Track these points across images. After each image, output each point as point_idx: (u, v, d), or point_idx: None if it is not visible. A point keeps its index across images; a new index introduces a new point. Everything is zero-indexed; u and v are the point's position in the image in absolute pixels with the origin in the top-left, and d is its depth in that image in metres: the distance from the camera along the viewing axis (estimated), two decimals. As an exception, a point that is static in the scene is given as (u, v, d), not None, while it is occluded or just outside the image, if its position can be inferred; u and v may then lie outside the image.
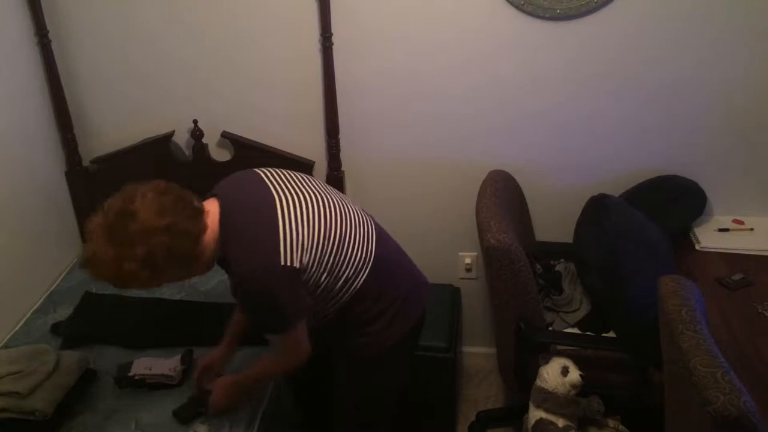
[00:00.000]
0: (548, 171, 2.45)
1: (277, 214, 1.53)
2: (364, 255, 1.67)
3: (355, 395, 1.89)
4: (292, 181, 1.65)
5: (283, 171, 1.70)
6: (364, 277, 1.67)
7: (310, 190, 1.64)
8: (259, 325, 1.68)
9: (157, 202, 1.45)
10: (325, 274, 1.60)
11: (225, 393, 1.79)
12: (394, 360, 1.82)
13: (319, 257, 1.57)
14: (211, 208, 1.57)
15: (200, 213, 1.52)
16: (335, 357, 1.87)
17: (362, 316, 1.71)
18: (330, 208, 1.63)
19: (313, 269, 1.57)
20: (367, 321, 1.72)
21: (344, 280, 1.64)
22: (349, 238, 1.64)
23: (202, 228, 1.51)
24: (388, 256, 1.76)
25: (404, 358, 1.88)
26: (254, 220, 1.54)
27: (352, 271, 1.65)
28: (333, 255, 1.60)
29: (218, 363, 1.89)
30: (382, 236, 1.78)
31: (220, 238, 1.54)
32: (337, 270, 1.62)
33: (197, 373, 1.88)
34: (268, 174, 1.66)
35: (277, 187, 1.61)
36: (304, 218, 1.55)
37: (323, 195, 1.66)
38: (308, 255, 1.54)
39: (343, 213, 1.66)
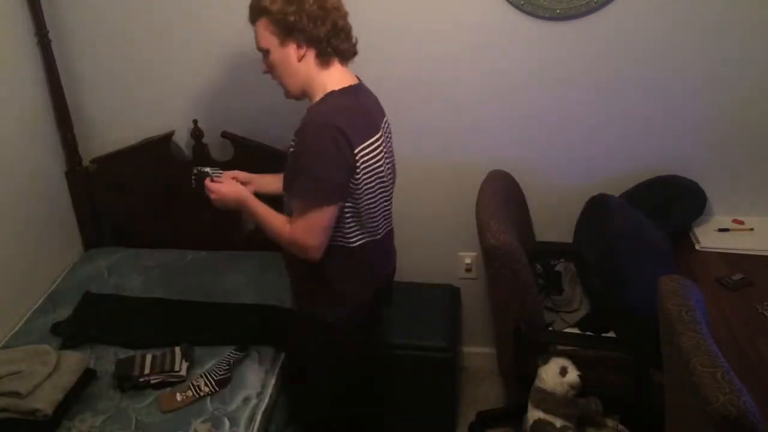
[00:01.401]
0: (548, 171, 2.45)
1: (375, 134, 1.66)
2: (386, 219, 1.80)
3: (308, 362, 1.92)
4: (388, 141, 1.79)
5: (389, 126, 1.83)
6: (374, 238, 1.74)
7: (391, 161, 1.81)
8: (291, 183, 1.65)
9: None
10: (361, 201, 1.66)
11: (230, 190, 1.78)
12: (343, 333, 1.81)
13: (371, 179, 1.65)
14: (352, 76, 1.73)
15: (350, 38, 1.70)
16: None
17: (340, 270, 1.73)
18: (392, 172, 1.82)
19: (362, 180, 1.63)
20: (339, 279, 1.74)
21: (366, 222, 1.70)
22: (387, 198, 1.78)
23: (346, 49, 1.69)
24: (388, 241, 1.86)
25: (356, 336, 1.85)
26: (356, 109, 1.65)
27: (375, 221, 1.73)
28: (377, 191, 1.69)
29: (245, 179, 1.91)
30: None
31: (322, 95, 1.64)
32: (369, 208, 1.69)
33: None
34: (385, 122, 1.80)
35: (384, 131, 1.74)
36: (380, 150, 1.67)
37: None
38: (369, 163, 1.63)
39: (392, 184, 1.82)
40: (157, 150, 2.53)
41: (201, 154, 2.52)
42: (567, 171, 2.44)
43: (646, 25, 2.18)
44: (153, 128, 2.54)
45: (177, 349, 2.03)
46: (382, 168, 1.69)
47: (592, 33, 2.21)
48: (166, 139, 2.53)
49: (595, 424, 2.05)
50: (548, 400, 1.98)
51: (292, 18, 1.57)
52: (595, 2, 2.15)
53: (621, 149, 2.38)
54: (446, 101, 2.39)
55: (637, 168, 2.37)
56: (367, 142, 1.63)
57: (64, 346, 2.11)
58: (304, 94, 1.71)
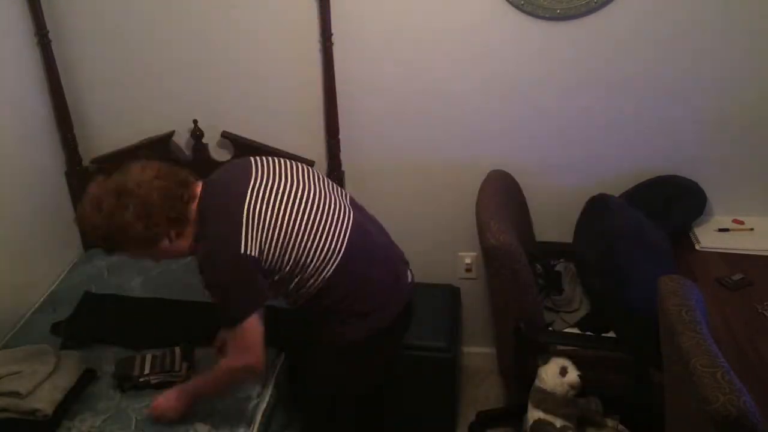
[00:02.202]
0: (548, 171, 2.45)
1: (245, 198, 1.59)
2: (334, 246, 1.68)
3: (315, 383, 1.92)
4: (279, 168, 1.70)
5: (280, 159, 1.74)
6: (332, 268, 1.68)
7: (293, 177, 1.69)
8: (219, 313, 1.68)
9: (153, 167, 1.61)
10: (290, 263, 1.63)
11: (169, 397, 1.80)
12: (357, 356, 1.81)
13: (283, 245, 1.61)
14: (198, 188, 1.67)
15: (189, 183, 1.64)
16: (307, 344, 1.89)
17: (332, 306, 1.73)
18: (303, 196, 1.66)
19: (277, 256, 1.61)
20: (336, 311, 1.74)
21: (312, 270, 1.66)
22: (319, 228, 1.66)
23: (190, 196, 1.62)
24: (365, 250, 1.76)
25: (370, 357, 1.84)
26: (225, 202, 1.61)
27: (319, 261, 1.66)
28: (299, 244, 1.63)
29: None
30: (363, 229, 1.78)
31: (198, 217, 1.62)
32: (303, 259, 1.64)
33: (218, 342, 1.96)
34: (260, 160, 1.71)
35: (260, 171, 1.66)
36: (270, 205, 1.60)
37: (305, 182, 1.70)
38: (271, 243, 1.59)
39: (317, 201, 1.68)
40: (157, 150, 2.53)
41: (201, 154, 2.52)
42: (567, 171, 2.44)
43: (646, 25, 2.18)
44: (153, 128, 2.54)
45: (177, 349, 2.02)
46: (285, 224, 1.62)
47: (592, 33, 2.21)
48: (166, 139, 2.53)
49: (595, 424, 2.05)
50: (548, 400, 1.98)
51: (147, 232, 1.57)
52: (595, 2, 2.15)
53: (621, 149, 2.38)
54: (446, 101, 2.39)
55: (637, 168, 2.37)
56: (246, 226, 1.57)
57: (64, 346, 2.11)
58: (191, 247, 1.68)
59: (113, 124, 2.57)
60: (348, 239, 1.71)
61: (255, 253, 1.56)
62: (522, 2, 2.19)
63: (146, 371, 1.96)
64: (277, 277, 1.66)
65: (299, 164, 1.76)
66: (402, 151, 2.50)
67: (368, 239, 1.80)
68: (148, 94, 2.51)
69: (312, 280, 1.68)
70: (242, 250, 1.55)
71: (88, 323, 2.22)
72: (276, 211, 1.61)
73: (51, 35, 2.37)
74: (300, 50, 2.35)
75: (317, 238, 1.65)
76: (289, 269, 1.65)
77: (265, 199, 1.61)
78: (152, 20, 2.39)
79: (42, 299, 2.38)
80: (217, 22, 2.37)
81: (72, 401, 1.89)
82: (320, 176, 1.79)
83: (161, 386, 1.94)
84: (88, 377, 1.97)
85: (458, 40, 2.29)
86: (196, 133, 2.49)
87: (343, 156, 2.48)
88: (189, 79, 2.47)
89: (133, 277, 2.46)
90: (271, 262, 1.61)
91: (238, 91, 2.47)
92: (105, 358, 2.07)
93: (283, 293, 1.74)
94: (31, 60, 2.38)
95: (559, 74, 2.29)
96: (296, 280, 1.68)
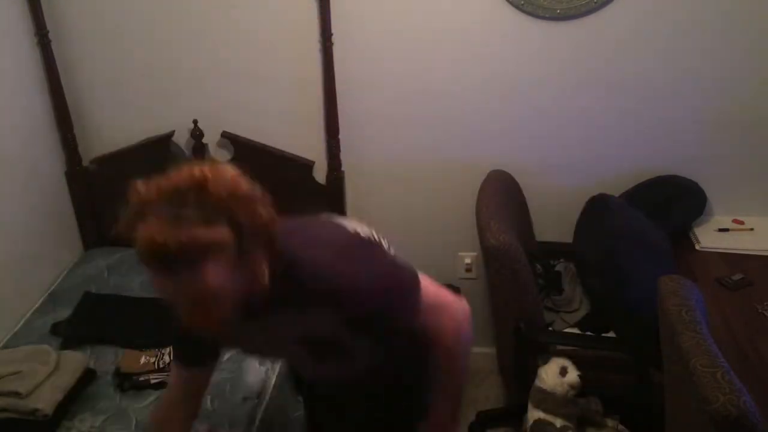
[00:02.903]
0: (548, 171, 2.45)
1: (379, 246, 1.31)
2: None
3: None
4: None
5: None
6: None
7: None
8: (388, 331, 1.29)
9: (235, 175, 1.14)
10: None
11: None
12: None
13: None
14: None
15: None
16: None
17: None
18: None
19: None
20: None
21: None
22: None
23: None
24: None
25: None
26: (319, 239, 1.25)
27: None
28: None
29: None
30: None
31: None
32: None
33: None
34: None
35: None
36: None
37: None
38: None
39: None
40: (157, 150, 2.53)
41: (201, 154, 2.52)
42: (567, 171, 2.44)
43: (646, 25, 2.18)
44: (153, 128, 2.53)
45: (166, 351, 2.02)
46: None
47: (592, 33, 2.21)
48: (166, 139, 2.53)
49: (595, 424, 2.05)
50: (548, 400, 1.98)
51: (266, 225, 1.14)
52: (595, 2, 2.15)
53: (621, 149, 2.38)
54: (446, 101, 2.39)
55: (637, 168, 2.37)
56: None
57: (64, 346, 2.11)
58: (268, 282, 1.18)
59: (113, 124, 2.57)
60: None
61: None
62: (522, 2, 2.19)
63: (146, 371, 1.96)
64: None
65: None
66: (402, 151, 2.50)
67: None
68: (148, 94, 2.51)
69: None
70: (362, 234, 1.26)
71: (88, 323, 2.21)
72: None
73: (51, 35, 2.37)
74: (300, 50, 2.35)
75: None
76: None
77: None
78: (152, 20, 2.39)
79: (42, 299, 2.38)
80: (217, 23, 2.37)
81: (72, 401, 1.89)
82: None
83: (161, 386, 1.94)
84: (88, 377, 1.97)
85: (458, 40, 2.29)
86: (196, 133, 2.49)
87: (343, 156, 2.48)
88: (189, 79, 2.46)
89: (133, 277, 2.46)
90: None
91: (238, 91, 2.47)
92: (105, 358, 2.07)
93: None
94: (31, 60, 2.38)
95: (559, 74, 2.29)
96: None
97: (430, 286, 1.33)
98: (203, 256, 1.05)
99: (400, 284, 1.29)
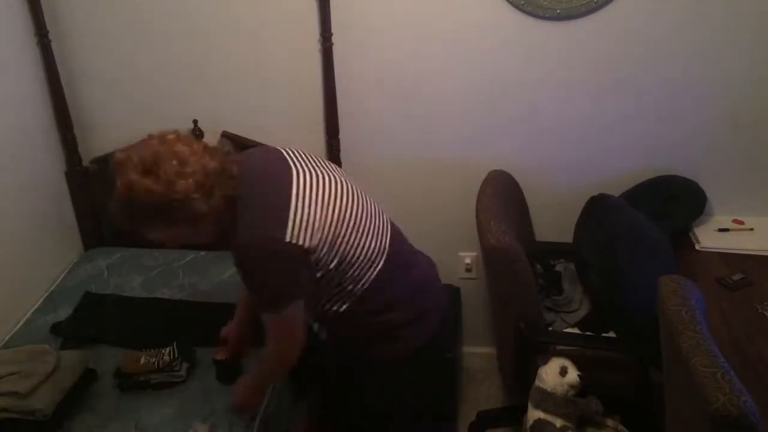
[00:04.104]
0: (548, 171, 2.45)
1: (291, 187, 1.51)
2: (378, 245, 1.63)
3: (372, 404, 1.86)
4: (313, 161, 1.63)
5: (304, 152, 1.66)
6: (377, 269, 1.63)
7: (329, 172, 1.62)
8: (255, 300, 1.65)
9: (198, 142, 1.57)
10: (336, 259, 1.55)
11: (242, 394, 1.83)
12: (394, 376, 1.76)
13: (332, 239, 1.52)
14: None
15: (232, 166, 1.52)
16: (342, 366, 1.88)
17: (377, 316, 1.67)
18: (347, 192, 1.60)
19: (324, 251, 1.51)
20: (384, 323, 1.68)
21: (357, 268, 1.59)
22: (365, 225, 1.60)
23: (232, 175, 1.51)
24: (402, 255, 1.74)
25: (404, 378, 1.78)
26: (267, 190, 1.52)
27: (365, 259, 1.60)
28: (346, 239, 1.55)
29: (233, 338, 1.94)
30: (398, 234, 1.77)
31: (230, 204, 1.50)
32: (350, 255, 1.57)
33: (223, 334, 1.97)
34: (290, 151, 1.63)
35: (297, 163, 1.58)
36: (319, 197, 1.52)
37: (342, 179, 1.63)
38: (319, 235, 1.49)
39: (360, 200, 1.63)
40: (157, 150, 2.53)
41: (201, 154, 2.52)
42: (567, 171, 2.44)
43: (646, 25, 2.18)
44: (153, 128, 2.51)
45: (177, 349, 2.02)
46: (335, 219, 1.53)
47: (592, 33, 2.21)
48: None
49: (595, 424, 2.05)
50: (548, 400, 1.98)
51: (202, 209, 1.46)
52: (595, 2, 2.15)
53: (621, 149, 2.38)
54: (446, 101, 2.39)
55: (637, 168, 2.37)
56: (292, 209, 1.48)
57: (64, 346, 2.10)
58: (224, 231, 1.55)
59: (113, 124, 2.57)
60: (390, 238, 1.68)
61: (301, 242, 1.46)
62: (522, 2, 2.19)
63: (146, 371, 1.96)
64: (320, 274, 1.56)
65: (325, 159, 1.70)
66: (402, 150, 2.50)
67: (404, 239, 1.80)
68: (148, 94, 2.51)
69: (356, 283, 1.62)
70: (287, 239, 1.45)
71: (88, 323, 2.21)
72: (323, 202, 1.52)
73: (51, 35, 2.37)
74: (300, 50, 2.35)
75: (363, 234, 1.59)
76: (334, 266, 1.55)
77: (312, 190, 1.52)
78: (152, 20, 2.39)
79: (42, 299, 2.38)
80: (217, 22, 2.37)
81: (72, 401, 1.89)
82: (344, 172, 1.72)
83: (161, 386, 1.95)
84: (88, 377, 1.97)
85: (458, 40, 2.29)
86: (196, 133, 2.49)
87: (343, 156, 2.48)
88: (189, 79, 2.46)
89: (133, 277, 2.46)
90: (318, 255, 1.51)
91: (238, 91, 2.47)
92: (105, 358, 2.07)
93: (326, 296, 1.64)
94: (31, 60, 2.38)
95: (559, 74, 2.29)
96: (339, 280, 1.60)
97: (295, 313, 1.57)
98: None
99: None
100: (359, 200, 1.63)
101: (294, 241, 1.46)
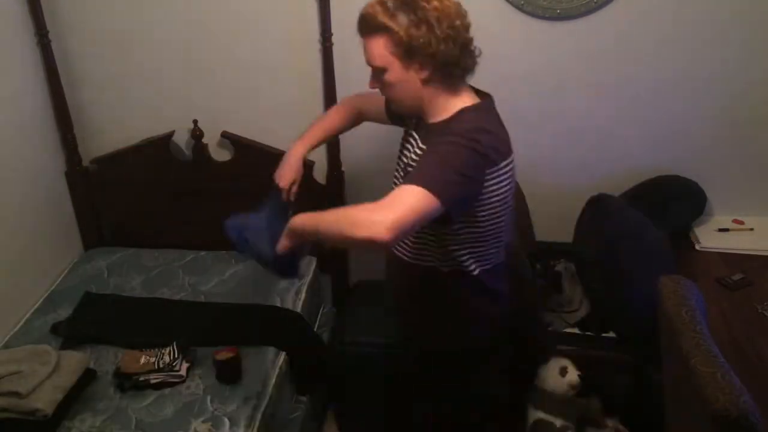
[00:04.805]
0: (548, 171, 2.45)
1: (509, 156, 1.53)
2: (504, 237, 1.59)
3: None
4: None
5: None
6: (500, 258, 1.59)
7: None
8: (413, 174, 1.41)
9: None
10: (486, 216, 1.49)
11: (302, 218, 1.48)
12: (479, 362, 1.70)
13: (496, 201, 1.49)
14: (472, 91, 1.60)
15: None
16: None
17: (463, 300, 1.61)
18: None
19: (485, 208, 1.48)
20: (446, 308, 1.63)
21: (488, 241, 1.54)
22: (508, 218, 1.59)
23: (471, 65, 1.55)
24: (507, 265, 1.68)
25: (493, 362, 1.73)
26: (498, 140, 1.51)
27: (495, 239, 1.55)
28: (502, 212, 1.53)
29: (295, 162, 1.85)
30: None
31: (450, 109, 1.50)
32: (492, 225, 1.52)
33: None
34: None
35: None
36: (511, 184, 1.54)
37: None
38: (495, 194, 1.47)
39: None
40: (157, 150, 2.53)
41: (201, 154, 2.52)
42: (567, 171, 2.44)
43: (646, 25, 2.18)
44: (153, 128, 2.54)
45: (177, 349, 2.02)
46: (508, 192, 1.53)
47: (592, 33, 2.21)
48: (166, 139, 2.53)
49: (595, 424, 2.05)
50: (548, 400, 1.98)
51: (420, 41, 1.40)
52: (595, 2, 2.15)
53: (621, 149, 2.38)
54: (446, 101, 2.38)
55: (637, 168, 2.37)
56: (503, 163, 1.48)
57: (64, 346, 2.11)
58: (419, 112, 1.55)
59: (113, 124, 2.57)
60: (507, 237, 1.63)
61: (491, 170, 1.43)
62: (522, 2, 2.19)
63: (146, 371, 1.96)
64: (461, 228, 1.50)
65: None
66: (402, 151, 2.50)
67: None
68: (148, 94, 2.51)
69: (474, 263, 1.56)
70: (487, 171, 1.42)
71: (88, 323, 2.22)
72: (508, 187, 1.53)
73: (51, 35, 2.37)
74: (300, 50, 2.35)
75: (507, 220, 1.57)
76: (481, 219, 1.50)
77: (510, 174, 1.53)
78: (152, 20, 2.39)
79: (42, 299, 2.38)
80: (217, 24, 2.37)
81: (72, 401, 1.89)
82: None
83: (161, 386, 1.95)
84: (88, 377, 1.97)
85: (458, 40, 2.28)
86: (196, 133, 2.49)
87: (343, 156, 2.48)
88: (189, 79, 2.47)
89: (133, 277, 2.46)
90: (481, 208, 1.47)
91: (238, 91, 2.47)
92: (105, 358, 2.07)
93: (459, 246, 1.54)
94: (31, 60, 2.38)
95: (559, 74, 2.29)
96: (472, 241, 1.53)
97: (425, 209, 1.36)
98: (377, 30, 1.45)
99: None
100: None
101: (490, 159, 1.43)
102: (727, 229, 2.32)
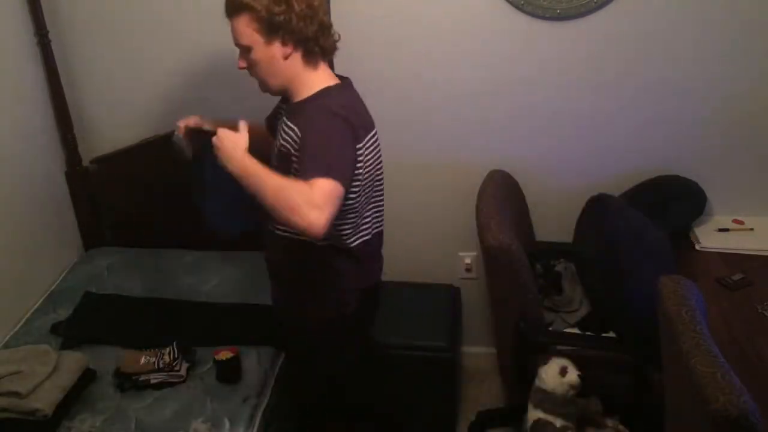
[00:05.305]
0: (548, 171, 2.45)
1: (372, 129, 1.69)
2: (380, 214, 1.78)
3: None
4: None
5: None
6: (372, 232, 1.73)
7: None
8: (300, 168, 1.50)
9: None
10: (358, 187, 1.62)
11: (234, 140, 1.56)
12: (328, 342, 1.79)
13: (366, 173, 1.64)
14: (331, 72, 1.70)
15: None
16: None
17: (326, 274, 1.71)
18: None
19: (360, 178, 1.61)
20: (326, 281, 1.72)
21: (365, 211, 1.69)
22: (380, 199, 1.77)
23: (330, 46, 1.65)
24: (380, 244, 1.83)
25: (337, 344, 1.81)
26: (361, 115, 1.66)
27: (374, 209, 1.73)
28: (377, 191, 1.72)
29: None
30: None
31: (311, 87, 1.60)
32: (365, 195, 1.66)
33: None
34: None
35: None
36: (378, 157, 1.71)
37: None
38: (367, 167, 1.63)
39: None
40: (157, 150, 2.53)
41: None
42: (567, 171, 2.44)
43: (646, 25, 2.18)
44: (153, 128, 2.53)
45: (177, 349, 2.02)
46: (377, 165, 1.70)
47: (592, 33, 2.21)
48: (166, 139, 2.53)
49: (595, 424, 2.05)
50: (548, 400, 1.98)
51: (280, 17, 1.51)
52: (595, 2, 2.15)
53: (621, 149, 2.38)
54: (446, 101, 2.39)
55: (637, 168, 2.37)
56: (367, 137, 1.63)
57: (64, 346, 2.11)
58: (284, 91, 1.67)
59: (113, 124, 2.57)
60: (379, 229, 1.80)
61: (355, 157, 1.57)
62: (522, 2, 2.19)
63: (146, 371, 1.96)
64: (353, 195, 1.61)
65: None
66: (402, 151, 2.49)
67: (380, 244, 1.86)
68: (148, 94, 2.51)
69: (352, 236, 1.68)
70: (352, 145, 1.56)
71: (88, 323, 2.22)
72: (377, 159, 1.70)
73: (51, 35, 2.37)
74: (300, 50, 2.35)
75: (379, 201, 1.75)
76: (352, 205, 1.62)
77: (376, 146, 1.70)
78: (152, 20, 2.39)
79: (42, 299, 2.38)
80: (217, 23, 2.36)
81: (72, 401, 1.89)
82: None
83: (161, 386, 1.95)
84: (88, 377, 1.97)
85: (458, 40, 2.29)
86: (196, 133, 2.48)
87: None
88: (189, 79, 2.46)
89: (133, 277, 2.46)
90: (354, 181, 1.59)
91: (237, 91, 2.46)
92: (105, 358, 2.07)
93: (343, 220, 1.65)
94: (31, 60, 2.38)
95: (559, 74, 2.29)
96: (345, 224, 1.65)
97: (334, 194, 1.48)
98: (240, 9, 1.54)
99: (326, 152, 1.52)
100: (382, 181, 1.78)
101: (356, 133, 1.56)
102: (727, 229, 2.32)
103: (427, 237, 2.62)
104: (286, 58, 1.58)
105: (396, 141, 2.48)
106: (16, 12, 2.30)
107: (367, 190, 1.67)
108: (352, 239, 1.68)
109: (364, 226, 1.71)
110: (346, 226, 1.66)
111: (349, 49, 2.33)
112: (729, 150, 2.31)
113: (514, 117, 2.39)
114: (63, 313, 2.28)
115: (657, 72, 2.24)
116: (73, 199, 2.60)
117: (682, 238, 2.30)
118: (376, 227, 1.77)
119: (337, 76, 1.71)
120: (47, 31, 2.36)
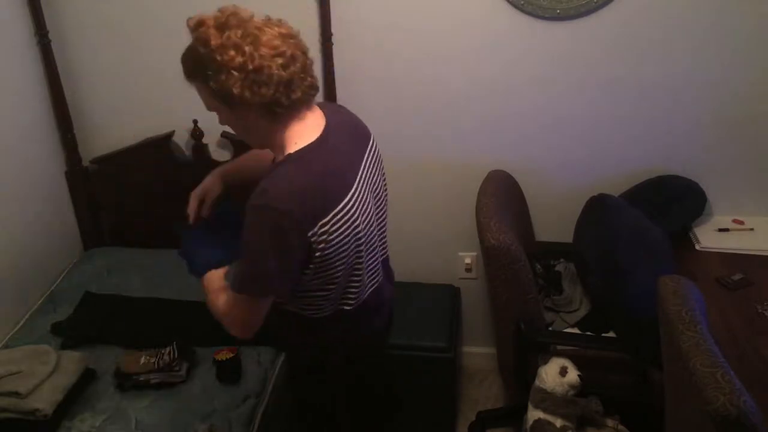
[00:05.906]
0: (548, 171, 2.45)
1: (342, 200, 1.40)
2: (374, 274, 1.58)
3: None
4: (374, 172, 1.57)
5: (376, 150, 1.62)
6: (361, 296, 1.55)
7: (379, 191, 1.59)
8: (234, 272, 1.45)
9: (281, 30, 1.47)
10: (320, 286, 1.47)
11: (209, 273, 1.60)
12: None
13: (333, 252, 1.40)
14: (318, 117, 1.47)
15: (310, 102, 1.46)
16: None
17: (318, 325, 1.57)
18: (371, 214, 1.51)
19: (327, 258, 1.40)
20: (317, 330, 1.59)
21: (331, 302, 1.52)
22: (364, 263, 1.51)
23: (300, 97, 1.41)
24: (379, 301, 1.64)
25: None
26: (324, 172, 1.39)
27: (365, 277, 1.53)
28: (341, 276, 1.47)
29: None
30: (387, 265, 1.69)
31: (283, 149, 1.41)
32: (331, 287, 1.48)
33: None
34: (370, 149, 1.58)
35: (359, 181, 1.47)
36: (352, 226, 1.42)
37: (379, 200, 1.58)
38: (334, 243, 1.39)
39: (376, 228, 1.55)
40: (157, 150, 2.53)
41: (201, 154, 2.52)
42: (567, 171, 2.44)
43: (646, 25, 2.18)
44: (153, 128, 2.54)
45: (177, 349, 2.02)
46: (354, 232, 1.43)
47: (593, 33, 2.21)
48: (166, 139, 2.53)
49: (595, 424, 2.05)
50: (548, 400, 1.98)
51: (225, 92, 1.33)
52: (595, 2, 2.15)
53: (621, 149, 2.38)
54: (446, 102, 2.39)
55: (637, 168, 2.37)
56: (329, 216, 1.37)
57: (64, 346, 2.11)
58: (268, 147, 1.49)
59: (113, 124, 2.57)
60: (375, 286, 1.60)
61: (315, 248, 1.36)
62: (522, 2, 2.19)
63: (146, 371, 1.96)
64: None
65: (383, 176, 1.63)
66: (402, 151, 2.50)
67: (387, 287, 1.68)
68: (148, 94, 2.51)
69: (340, 304, 1.53)
70: (309, 233, 1.34)
71: (88, 323, 2.22)
72: (354, 224, 1.43)
73: (51, 35, 2.38)
74: (300, 50, 2.35)
75: (370, 256, 1.53)
76: (326, 281, 1.46)
77: (352, 211, 1.42)
78: (152, 20, 2.39)
79: (42, 299, 2.38)
80: (217, 22, 2.37)
81: (72, 401, 1.89)
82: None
83: (161, 386, 1.95)
84: (88, 377, 1.97)
85: (458, 41, 2.29)
86: (196, 133, 2.49)
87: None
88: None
89: (133, 277, 2.46)
90: (320, 263, 1.41)
91: (238, 91, 2.46)
92: (105, 358, 2.07)
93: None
94: (31, 60, 2.38)
95: (559, 74, 2.29)
96: (308, 299, 1.51)
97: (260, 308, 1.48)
98: (191, 79, 1.44)
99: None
100: (378, 225, 1.57)
101: (303, 224, 1.33)
102: (727, 229, 2.32)
103: (427, 237, 2.62)
104: (252, 121, 1.40)
105: (396, 141, 2.49)
106: (16, 12, 2.30)
107: (339, 265, 1.44)
108: (331, 309, 1.53)
109: (351, 292, 1.53)
110: (317, 304, 1.51)
111: (349, 50, 2.34)
112: (729, 150, 2.31)
113: (514, 117, 2.39)
114: (63, 313, 2.28)
115: (657, 72, 2.24)
116: (73, 199, 2.60)
117: (682, 238, 2.30)
118: (373, 285, 1.59)
119: (324, 108, 1.52)
120: (47, 32, 2.36)
